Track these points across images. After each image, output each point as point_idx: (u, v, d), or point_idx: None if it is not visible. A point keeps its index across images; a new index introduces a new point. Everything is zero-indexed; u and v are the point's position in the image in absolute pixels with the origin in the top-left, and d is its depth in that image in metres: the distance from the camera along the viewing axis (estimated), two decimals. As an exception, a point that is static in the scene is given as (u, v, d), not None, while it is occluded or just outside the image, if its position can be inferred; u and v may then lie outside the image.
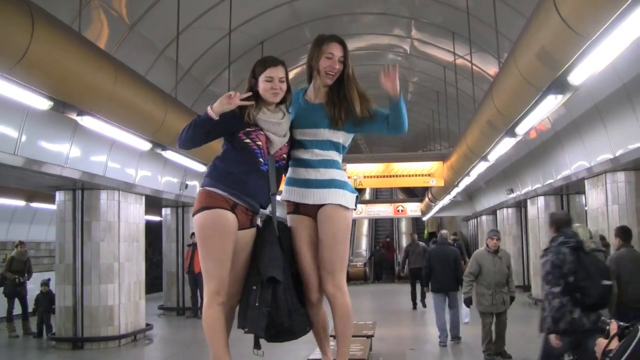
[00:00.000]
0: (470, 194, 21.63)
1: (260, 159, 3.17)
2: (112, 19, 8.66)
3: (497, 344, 8.37)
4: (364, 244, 29.54)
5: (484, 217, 22.35)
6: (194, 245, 13.21)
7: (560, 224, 5.40)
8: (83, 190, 10.48)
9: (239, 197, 3.13)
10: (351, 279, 25.23)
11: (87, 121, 6.61)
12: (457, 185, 14.73)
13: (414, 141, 24.86)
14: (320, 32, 3.34)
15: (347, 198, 3.26)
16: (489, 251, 8.41)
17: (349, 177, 3.45)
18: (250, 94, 3.14)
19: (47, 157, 8.34)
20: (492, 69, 11.09)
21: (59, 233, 10.72)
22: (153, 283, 18.05)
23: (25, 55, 4.77)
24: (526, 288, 16.76)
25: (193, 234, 12.91)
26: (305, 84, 3.41)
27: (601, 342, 2.14)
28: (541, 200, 13.47)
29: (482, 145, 9.34)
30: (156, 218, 16.85)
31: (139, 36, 9.14)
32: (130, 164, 10.63)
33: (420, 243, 16.38)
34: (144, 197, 11.63)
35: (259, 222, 3.31)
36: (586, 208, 10.95)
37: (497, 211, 19.13)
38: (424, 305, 15.10)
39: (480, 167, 11.24)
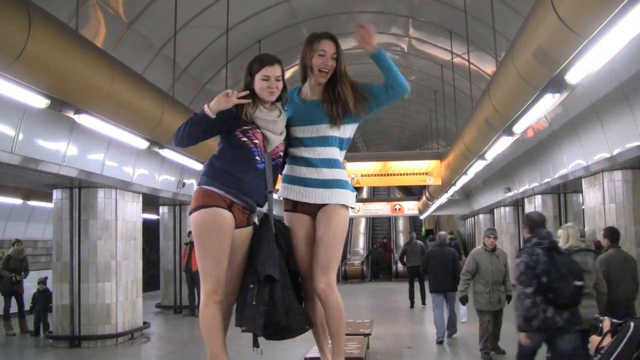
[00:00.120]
0: (468, 192, 21.65)
1: (257, 157, 3.17)
2: (109, 17, 8.65)
3: (491, 340, 8.44)
4: (361, 243, 29.54)
5: (481, 216, 22.36)
6: (191, 244, 13.22)
7: (535, 225, 5.47)
8: (80, 188, 10.46)
9: (236, 195, 3.13)
10: (349, 277, 25.28)
11: (85, 119, 6.60)
12: (454, 184, 14.75)
13: (412, 140, 24.88)
14: (318, 30, 3.34)
15: (348, 197, 3.28)
16: (486, 250, 8.44)
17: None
18: (247, 92, 3.14)
19: (45, 155, 8.33)
20: (489, 68, 11.10)
21: (56, 231, 10.71)
22: (150, 281, 18.04)
23: (22, 54, 4.77)
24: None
25: (190, 232, 12.92)
26: (299, 83, 3.41)
27: (594, 339, 2.15)
28: (538, 199, 13.48)
29: (480, 144, 9.35)
30: (153, 216, 16.85)
31: (136, 34, 9.13)
32: (128, 162, 10.62)
33: (419, 242, 16.40)
34: (141, 196, 11.62)
35: (255, 220, 3.32)
36: (583, 207, 10.96)
37: (495, 210, 19.13)
38: (424, 303, 15.15)
39: (478, 166, 11.25)
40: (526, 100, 6.29)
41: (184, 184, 13.07)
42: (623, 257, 6.69)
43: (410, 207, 24.60)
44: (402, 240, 28.57)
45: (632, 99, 7.35)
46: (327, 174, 3.24)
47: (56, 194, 10.69)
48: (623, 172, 8.97)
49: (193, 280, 13.66)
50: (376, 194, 32.63)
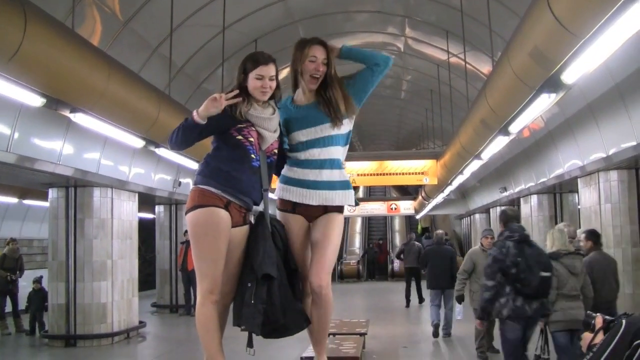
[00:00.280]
0: (464, 192, 21.66)
1: (252, 155, 3.17)
2: (105, 16, 8.63)
3: (487, 339, 8.45)
4: (357, 242, 29.54)
5: (477, 216, 22.38)
6: (187, 243, 13.18)
7: (508, 219, 5.85)
8: (76, 187, 10.44)
9: (232, 194, 3.12)
10: (345, 276, 25.28)
11: (80, 118, 6.58)
12: (450, 184, 14.75)
13: (408, 139, 24.87)
14: (314, 30, 3.37)
15: (349, 197, 3.33)
16: (483, 250, 8.48)
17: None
18: (236, 92, 3.12)
19: (40, 154, 8.30)
20: (485, 68, 11.11)
21: (51, 230, 10.68)
22: (146, 280, 18.02)
23: (17, 52, 4.75)
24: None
25: (186, 231, 12.88)
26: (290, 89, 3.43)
27: (586, 336, 2.16)
28: (534, 198, 13.49)
29: (476, 143, 9.36)
30: (149, 215, 16.81)
31: (132, 33, 9.11)
32: (124, 161, 10.60)
33: (416, 243, 16.43)
34: (137, 195, 11.60)
35: (251, 219, 3.31)
36: (579, 207, 10.97)
37: (491, 209, 19.14)
38: (422, 300, 15.19)
39: (474, 166, 11.27)
40: (522, 100, 6.29)
41: (179, 183, 13.05)
42: (605, 259, 6.74)
43: (406, 206, 24.61)
44: (398, 240, 28.58)
45: (628, 99, 7.36)
46: (328, 175, 3.27)
47: (52, 192, 10.66)
48: (619, 172, 8.99)
49: (189, 279, 13.66)
50: (372, 194, 32.63)
